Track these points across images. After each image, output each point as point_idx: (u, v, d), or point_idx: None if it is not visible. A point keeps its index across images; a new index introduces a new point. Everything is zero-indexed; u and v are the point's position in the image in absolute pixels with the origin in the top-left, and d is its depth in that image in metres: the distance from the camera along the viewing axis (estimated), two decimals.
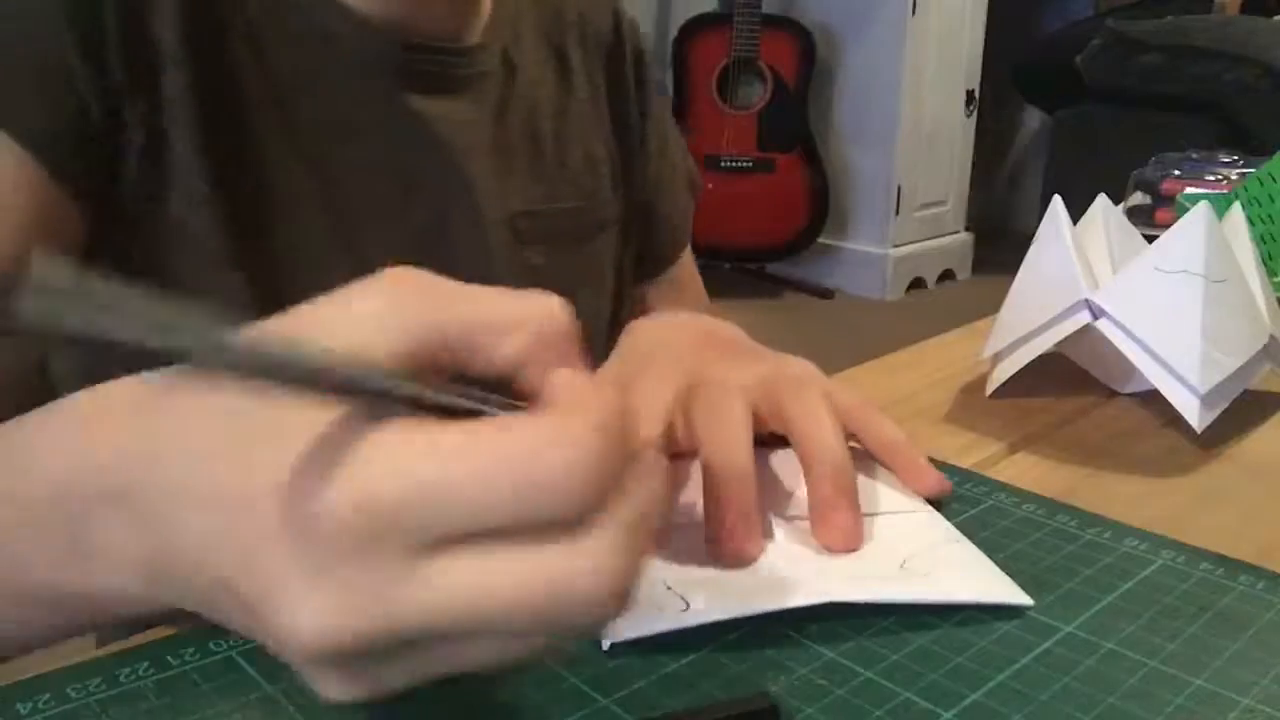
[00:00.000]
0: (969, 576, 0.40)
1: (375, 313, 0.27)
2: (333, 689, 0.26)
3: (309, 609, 0.25)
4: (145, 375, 0.30)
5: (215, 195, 0.54)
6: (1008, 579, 0.40)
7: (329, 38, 0.58)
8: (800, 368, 0.48)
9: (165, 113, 0.53)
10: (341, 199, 0.58)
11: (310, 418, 0.25)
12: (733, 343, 0.53)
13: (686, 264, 0.83)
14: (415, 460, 0.25)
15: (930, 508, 0.45)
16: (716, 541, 0.40)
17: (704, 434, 0.42)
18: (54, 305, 0.20)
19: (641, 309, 0.75)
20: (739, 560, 0.40)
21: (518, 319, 0.28)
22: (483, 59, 0.64)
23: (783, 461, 0.46)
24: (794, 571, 0.39)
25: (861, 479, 0.46)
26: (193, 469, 0.27)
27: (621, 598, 0.25)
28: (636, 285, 0.78)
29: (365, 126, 0.60)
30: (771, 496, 0.44)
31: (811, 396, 0.44)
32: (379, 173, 0.60)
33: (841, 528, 0.41)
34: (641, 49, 0.78)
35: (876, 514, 0.43)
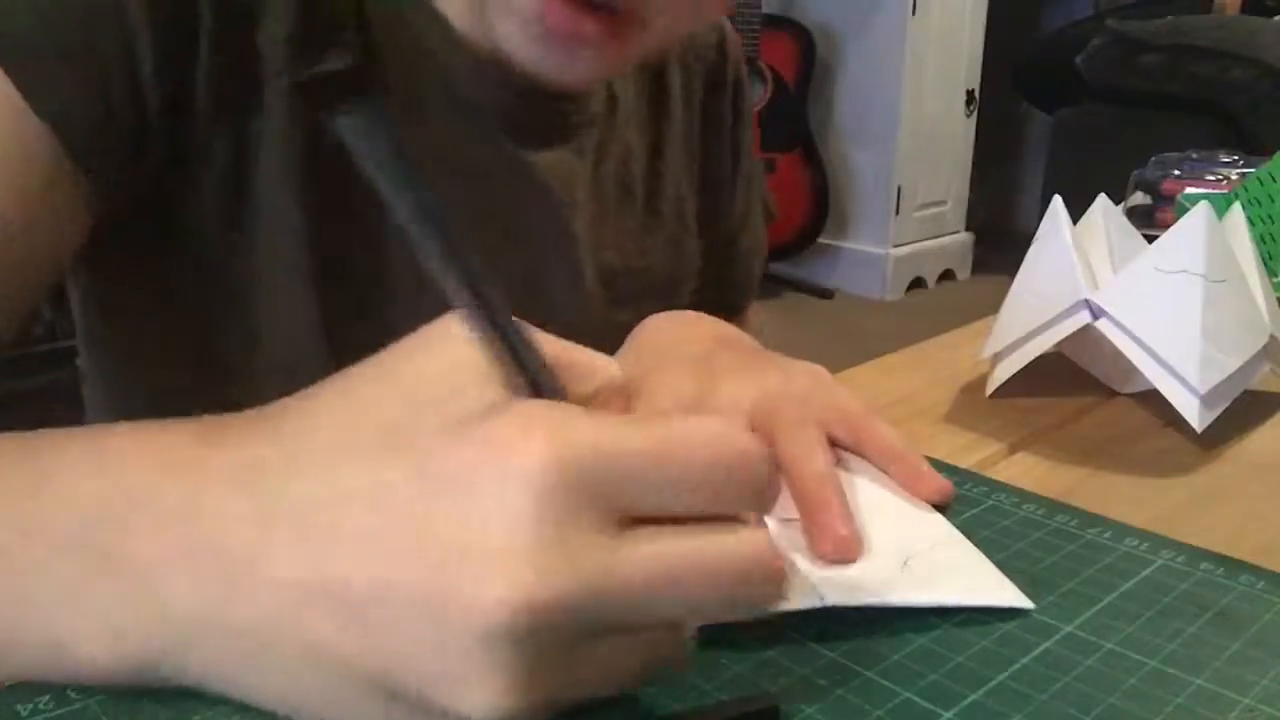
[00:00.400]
0: (970, 580, 0.40)
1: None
2: (500, 687, 0.24)
3: (504, 577, 0.24)
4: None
5: (306, 229, 0.51)
6: (1008, 582, 0.40)
7: (442, 70, 0.54)
8: (806, 380, 0.48)
9: (259, 133, 0.49)
10: None
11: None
12: (741, 345, 0.54)
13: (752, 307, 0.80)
14: (619, 430, 0.25)
15: (931, 508, 0.45)
16: (820, 541, 0.40)
17: (782, 442, 0.43)
18: (373, 134, 0.21)
19: None
20: (844, 554, 0.40)
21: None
22: (591, 103, 0.61)
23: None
24: (793, 576, 0.39)
25: (863, 480, 0.46)
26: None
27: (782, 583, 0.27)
28: None
29: (468, 167, 0.56)
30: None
31: (807, 434, 0.44)
32: (478, 216, 0.56)
33: (834, 535, 0.40)
34: (742, 77, 0.73)
35: (877, 515, 0.43)
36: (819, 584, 0.38)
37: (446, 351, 0.27)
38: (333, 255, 0.52)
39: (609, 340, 0.45)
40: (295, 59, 0.49)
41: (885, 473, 0.47)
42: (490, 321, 0.25)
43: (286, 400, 0.29)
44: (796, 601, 0.37)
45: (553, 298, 0.60)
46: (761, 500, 0.28)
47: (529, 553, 0.24)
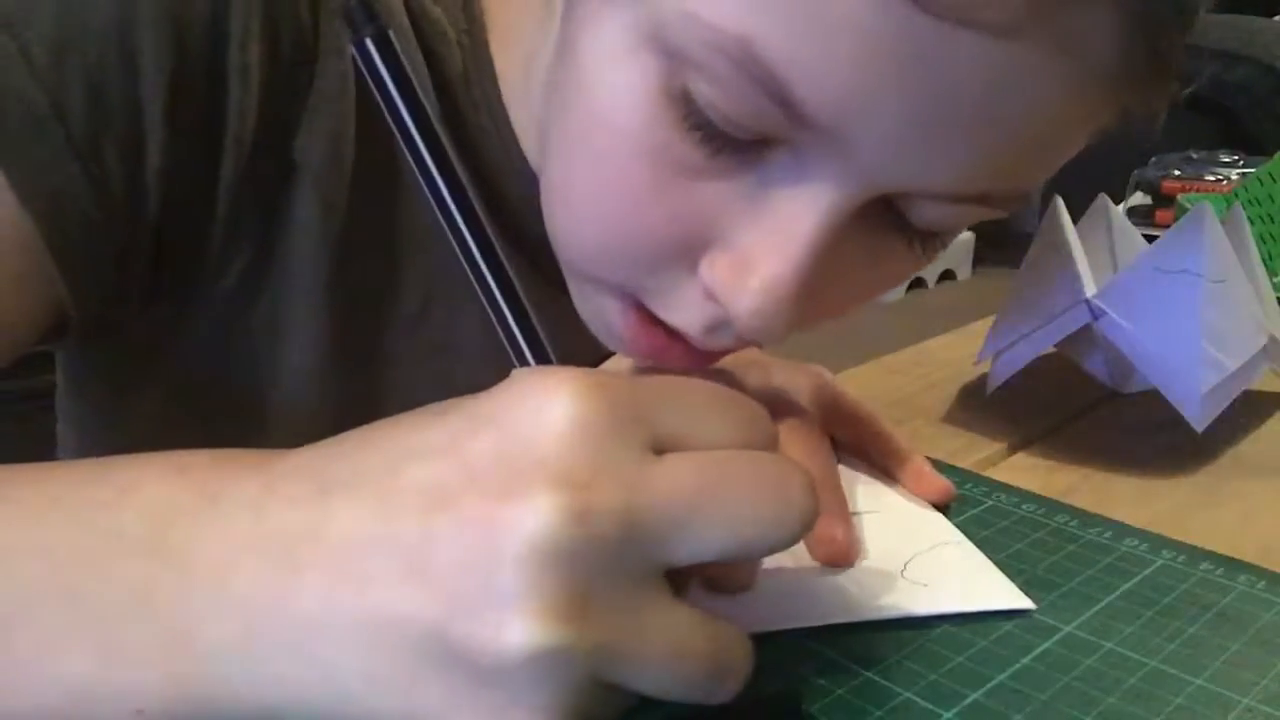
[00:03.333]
0: (969, 583, 0.40)
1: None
2: (546, 608, 0.24)
3: (548, 491, 0.25)
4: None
5: (329, 345, 0.47)
6: (1009, 582, 0.40)
7: (497, 196, 0.48)
8: (809, 380, 0.48)
9: (290, 235, 0.44)
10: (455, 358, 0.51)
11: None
12: (746, 348, 0.53)
13: None
14: (642, 376, 0.28)
15: (932, 508, 0.45)
16: (815, 545, 0.40)
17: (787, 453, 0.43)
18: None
19: None
20: (839, 559, 0.40)
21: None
22: None
23: None
24: (792, 591, 0.39)
25: (863, 479, 0.46)
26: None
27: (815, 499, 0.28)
28: None
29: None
30: None
31: (809, 436, 0.44)
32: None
33: (829, 539, 0.40)
34: None
35: (877, 517, 0.43)
36: (816, 603, 0.38)
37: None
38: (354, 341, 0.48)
39: None
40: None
41: (887, 473, 0.47)
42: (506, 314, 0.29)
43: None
44: (792, 619, 0.37)
45: None
46: (774, 442, 0.29)
47: (571, 467, 0.25)
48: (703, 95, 0.31)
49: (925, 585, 0.39)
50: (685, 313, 0.36)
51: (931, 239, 0.36)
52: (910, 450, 0.47)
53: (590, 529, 0.25)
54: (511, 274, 0.26)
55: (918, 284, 3.43)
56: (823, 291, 0.35)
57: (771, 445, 0.29)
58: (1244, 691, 0.34)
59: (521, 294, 0.26)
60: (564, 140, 0.36)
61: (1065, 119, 0.32)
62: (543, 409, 0.26)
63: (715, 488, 0.27)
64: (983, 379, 0.62)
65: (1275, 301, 0.58)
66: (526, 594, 0.24)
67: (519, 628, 0.24)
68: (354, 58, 0.24)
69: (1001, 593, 0.39)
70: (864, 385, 0.63)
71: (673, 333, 0.37)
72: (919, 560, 0.41)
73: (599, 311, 0.39)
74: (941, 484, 0.46)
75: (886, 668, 0.35)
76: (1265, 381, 0.59)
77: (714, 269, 0.34)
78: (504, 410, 0.27)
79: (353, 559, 0.26)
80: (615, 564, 0.25)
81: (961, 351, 0.67)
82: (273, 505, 0.28)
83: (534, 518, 0.24)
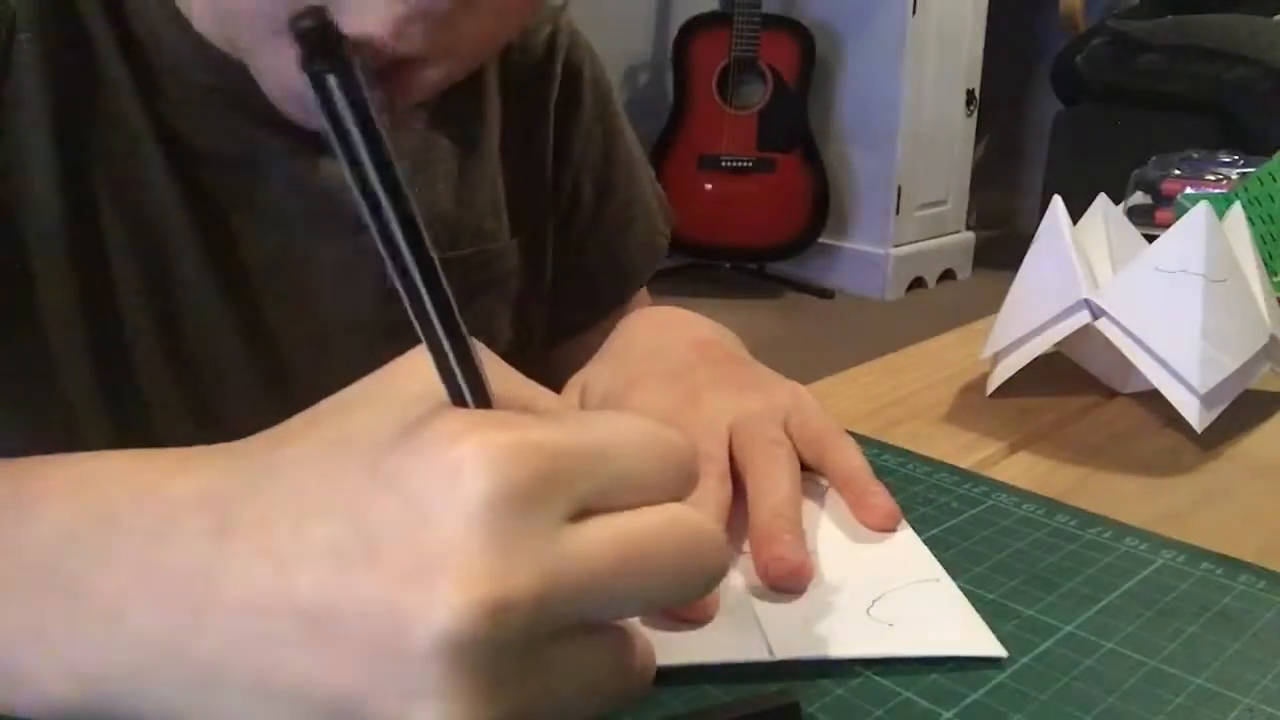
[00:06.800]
0: (938, 626, 0.38)
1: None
2: (459, 699, 0.24)
3: (459, 579, 0.23)
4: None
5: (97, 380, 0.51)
6: (984, 627, 0.37)
7: (182, 61, 0.52)
8: (786, 399, 0.48)
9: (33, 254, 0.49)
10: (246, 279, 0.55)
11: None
12: (721, 354, 0.52)
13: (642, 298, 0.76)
14: (560, 428, 0.26)
15: (914, 535, 0.43)
16: (762, 569, 0.39)
17: (753, 470, 0.43)
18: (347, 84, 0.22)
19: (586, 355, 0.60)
20: (784, 581, 0.39)
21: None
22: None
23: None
24: (747, 624, 0.37)
25: (843, 514, 0.45)
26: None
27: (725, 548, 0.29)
28: (575, 336, 0.71)
29: (227, 154, 0.54)
30: (737, 541, 0.42)
31: (778, 463, 0.43)
32: (239, 205, 0.55)
33: (775, 560, 0.39)
34: (578, 64, 0.67)
35: (850, 551, 0.42)
36: (770, 636, 0.36)
37: (411, 384, 0.28)
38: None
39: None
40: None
41: (840, 493, 0.45)
42: (447, 351, 0.26)
43: (259, 433, 0.29)
44: (745, 652, 0.36)
45: (320, 283, 0.57)
46: (692, 484, 0.29)
47: (483, 552, 0.24)
48: None
49: (890, 625, 0.37)
50: (371, 12, 0.41)
51: None
52: (867, 473, 0.45)
53: (503, 620, 0.23)
54: (459, 320, 0.25)
55: (918, 284, 3.44)
56: None
57: (691, 488, 0.29)
58: (1244, 691, 0.34)
59: (467, 336, 0.25)
60: None
61: None
62: (452, 482, 0.24)
63: (633, 561, 0.26)
64: (983, 379, 0.62)
65: (1275, 301, 0.58)
66: (438, 686, 0.24)
67: (431, 710, 0.24)
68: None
69: (973, 639, 0.37)
70: (864, 385, 0.63)
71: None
72: (890, 598, 0.39)
73: (280, 72, 0.46)
74: (886, 510, 0.44)
75: (886, 668, 0.35)
76: (1265, 381, 0.59)
77: None
78: (409, 475, 0.25)
79: (253, 614, 0.25)
80: (529, 644, 0.25)
81: (961, 351, 0.67)
82: (170, 540, 0.27)
83: (444, 613, 0.23)
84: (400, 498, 0.25)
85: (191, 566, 0.26)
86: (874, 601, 0.38)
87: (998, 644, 0.36)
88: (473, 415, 0.26)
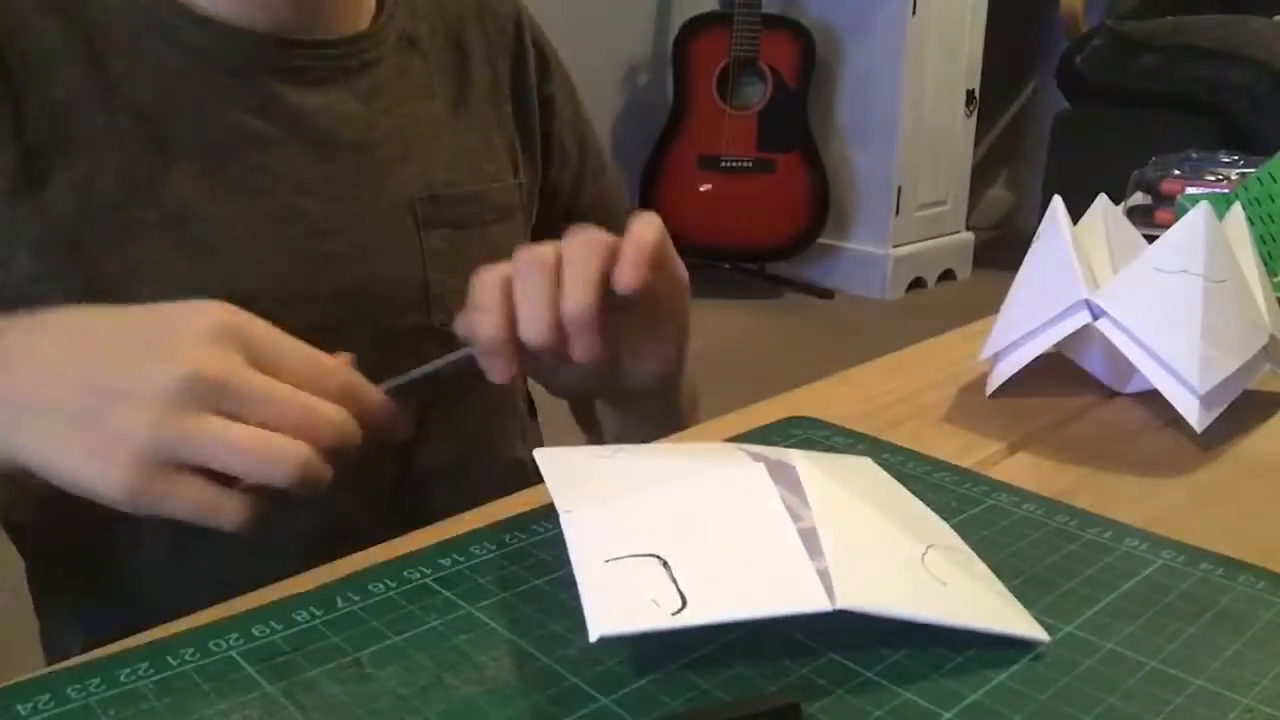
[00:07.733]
0: (985, 598, 0.38)
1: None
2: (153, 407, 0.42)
3: (185, 359, 0.43)
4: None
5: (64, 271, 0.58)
6: (1021, 608, 0.38)
7: (191, 52, 0.60)
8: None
9: None
10: (231, 214, 0.60)
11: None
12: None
13: None
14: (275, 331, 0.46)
15: (939, 519, 0.44)
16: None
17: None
18: None
19: None
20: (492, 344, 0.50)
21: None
22: (367, 47, 0.65)
23: (786, 473, 0.43)
24: (801, 572, 0.36)
25: (879, 481, 0.45)
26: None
27: (304, 468, 0.43)
28: None
29: (243, 139, 0.60)
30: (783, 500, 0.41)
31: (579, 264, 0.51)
32: (267, 178, 0.61)
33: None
34: (543, 45, 0.77)
35: (891, 509, 0.42)
36: (833, 583, 0.35)
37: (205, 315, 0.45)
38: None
39: (426, 265, 0.65)
40: None
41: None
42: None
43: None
44: (805, 603, 0.35)
45: (354, 235, 0.64)
46: (339, 396, 0.46)
47: (200, 348, 0.43)
48: None
49: (944, 584, 0.37)
50: None
51: None
52: (646, 241, 0.51)
53: (201, 378, 0.42)
54: None
55: (917, 284, 3.44)
56: None
57: (335, 395, 0.45)
58: (1244, 691, 0.34)
59: None
60: None
61: None
62: (191, 316, 0.45)
63: (221, 439, 0.42)
64: (983, 379, 0.62)
65: (1275, 301, 0.58)
66: (147, 385, 0.42)
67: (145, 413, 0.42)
68: None
69: (1018, 618, 0.37)
70: (864, 385, 0.63)
71: None
72: (938, 552, 0.39)
73: None
74: (635, 270, 0.50)
75: (886, 668, 0.35)
76: (1265, 381, 0.59)
77: None
78: (162, 311, 0.46)
79: (46, 369, 0.45)
80: (209, 399, 0.43)
81: (961, 351, 0.67)
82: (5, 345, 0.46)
83: (176, 364, 0.43)
84: (153, 321, 0.45)
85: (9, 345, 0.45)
86: (927, 550, 0.39)
87: (1039, 627, 0.37)
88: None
